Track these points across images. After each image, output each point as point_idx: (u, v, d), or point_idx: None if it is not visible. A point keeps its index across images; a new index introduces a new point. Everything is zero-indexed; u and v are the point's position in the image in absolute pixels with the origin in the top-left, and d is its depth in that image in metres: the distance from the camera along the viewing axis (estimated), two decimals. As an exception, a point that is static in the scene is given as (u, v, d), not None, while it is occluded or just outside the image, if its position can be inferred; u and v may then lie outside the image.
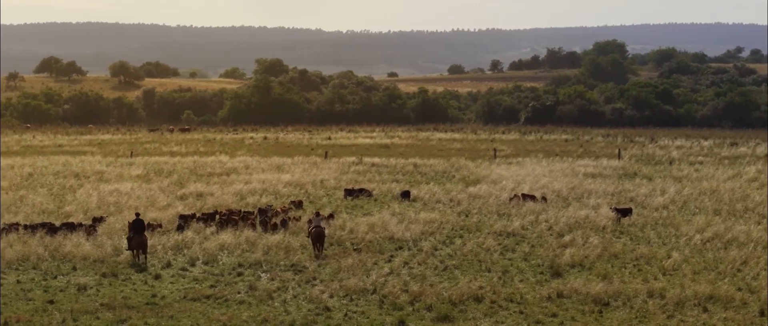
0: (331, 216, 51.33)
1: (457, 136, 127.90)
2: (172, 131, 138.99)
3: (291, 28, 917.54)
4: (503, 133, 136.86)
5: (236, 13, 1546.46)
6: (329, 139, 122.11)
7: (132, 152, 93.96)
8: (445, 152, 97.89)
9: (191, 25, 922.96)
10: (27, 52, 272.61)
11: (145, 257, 41.07)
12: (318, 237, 42.94)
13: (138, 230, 41.69)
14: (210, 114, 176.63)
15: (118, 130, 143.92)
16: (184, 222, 48.44)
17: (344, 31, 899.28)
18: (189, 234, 45.75)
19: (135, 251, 41.29)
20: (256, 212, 51.60)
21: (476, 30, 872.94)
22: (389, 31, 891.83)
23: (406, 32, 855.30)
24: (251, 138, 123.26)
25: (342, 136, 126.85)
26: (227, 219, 49.07)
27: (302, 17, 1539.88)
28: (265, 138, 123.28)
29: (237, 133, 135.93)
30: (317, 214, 45.72)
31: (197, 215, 50.30)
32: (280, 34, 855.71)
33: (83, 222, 47.64)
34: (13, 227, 45.94)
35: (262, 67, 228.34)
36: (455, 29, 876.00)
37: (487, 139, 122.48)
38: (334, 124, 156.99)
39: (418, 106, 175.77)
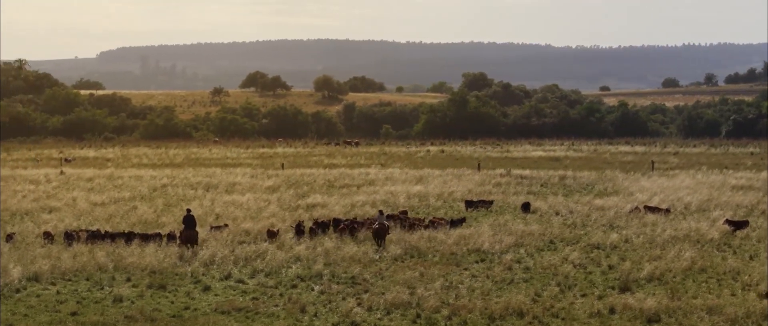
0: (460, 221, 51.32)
1: (639, 149, 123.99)
2: (348, 144, 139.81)
3: (520, 43, 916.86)
4: (694, 146, 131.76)
5: (466, 29, 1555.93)
6: (508, 152, 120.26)
7: (283, 164, 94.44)
8: (612, 165, 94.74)
9: (420, 42, 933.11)
10: (258, 69, 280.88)
11: (193, 249, 42.57)
12: (376, 234, 45.04)
13: (189, 225, 43.21)
14: (408, 128, 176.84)
15: (305, 143, 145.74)
16: (270, 235, 47.69)
17: (574, 47, 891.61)
18: (265, 245, 44.83)
19: (185, 244, 42.57)
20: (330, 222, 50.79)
21: (707, 44, 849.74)
22: (619, 45, 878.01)
23: (636, 47, 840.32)
24: (428, 151, 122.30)
25: (522, 150, 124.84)
26: (315, 228, 48.23)
27: (531, 33, 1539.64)
28: (442, 151, 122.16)
29: (420, 146, 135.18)
30: (381, 213, 47.70)
31: (281, 228, 49.44)
32: (508, 49, 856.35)
33: (160, 233, 47.25)
34: (74, 235, 46.03)
35: (466, 81, 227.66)
36: (686, 43, 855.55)
37: (669, 152, 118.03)
38: (529, 137, 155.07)
39: (617, 119, 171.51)
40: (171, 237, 45.96)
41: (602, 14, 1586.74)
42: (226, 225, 49.93)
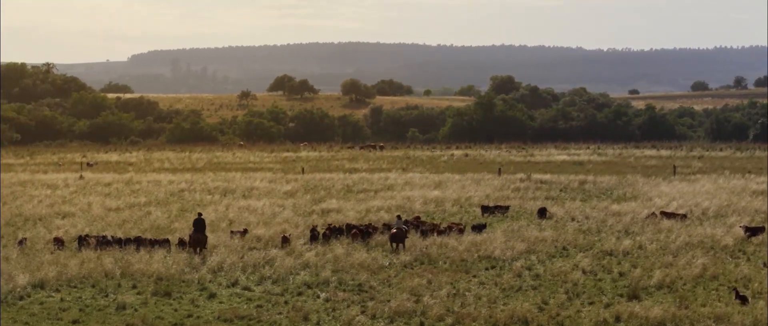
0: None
1: (664, 153, 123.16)
2: (371, 148, 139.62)
3: (551, 46, 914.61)
4: (720, 150, 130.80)
5: (497, 32, 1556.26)
6: (532, 156, 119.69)
7: (303, 169, 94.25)
8: (635, 169, 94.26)
9: (451, 45, 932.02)
10: (288, 72, 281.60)
11: (202, 253, 42.93)
12: (394, 238, 45.75)
13: (198, 229, 43.59)
14: (434, 131, 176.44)
15: (330, 147, 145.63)
16: (284, 241, 47.43)
17: (605, 49, 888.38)
18: (274, 251, 44.53)
19: (193, 248, 42.93)
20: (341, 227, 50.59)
21: (739, 47, 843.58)
22: (651, 48, 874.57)
23: (667, 50, 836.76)
24: (452, 155, 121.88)
25: (546, 153, 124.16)
26: (328, 234, 47.97)
27: (563, 36, 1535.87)
28: (466, 155, 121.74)
29: (445, 150, 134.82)
30: (399, 218, 48.85)
31: (293, 234, 49.19)
32: (539, 52, 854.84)
33: (167, 239, 46.95)
34: (85, 240, 45.91)
35: (494, 84, 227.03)
36: (718, 46, 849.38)
37: (694, 156, 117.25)
38: (556, 141, 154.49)
39: (645, 123, 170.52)
40: (182, 243, 45.77)
41: (634, 17, 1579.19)
42: (245, 229, 49.68)
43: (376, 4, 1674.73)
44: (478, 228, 50.67)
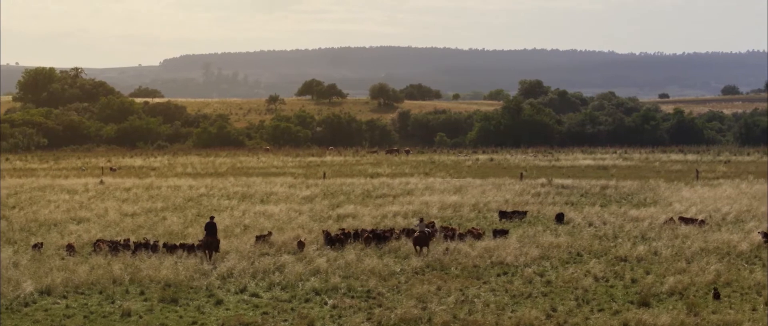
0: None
1: (691, 157, 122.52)
2: (394, 152, 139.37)
3: (583, 50, 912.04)
4: (748, 154, 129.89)
5: (529, 36, 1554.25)
6: (557, 160, 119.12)
7: (325, 174, 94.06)
8: (659, 174, 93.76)
9: (483, 49, 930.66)
10: (320, 76, 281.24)
11: (211, 256, 43.63)
12: (417, 241, 45.98)
13: (210, 232, 44.21)
14: (462, 136, 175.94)
15: (356, 152, 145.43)
16: (300, 246, 47.20)
17: (637, 53, 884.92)
18: (284, 257, 44.26)
19: (205, 251, 43.48)
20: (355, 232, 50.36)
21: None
22: (683, 52, 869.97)
23: (700, 54, 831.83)
24: (477, 159, 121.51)
25: (572, 158, 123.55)
26: (339, 238, 47.74)
27: (596, 39, 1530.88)
28: (491, 159, 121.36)
29: (469, 154, 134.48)
30: (421, 220, 49.03)
31: (306, 239, 48.98)
32: (571, 56, 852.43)
33: (184, 243, 46.83)
34: (98, 245, 45.82)
35: (522, 88, 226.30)
36: (751, 50, 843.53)
37: (721, 160, 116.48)
38: (583, 145, 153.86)
39: (673, 127, 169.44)
40: (189, 248, 45.62)
41: (667, 21, 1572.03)
42: (270, 233, 49.49)
43: (409, 8, 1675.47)
44: (500, 233, 50.51)
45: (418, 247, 45.74)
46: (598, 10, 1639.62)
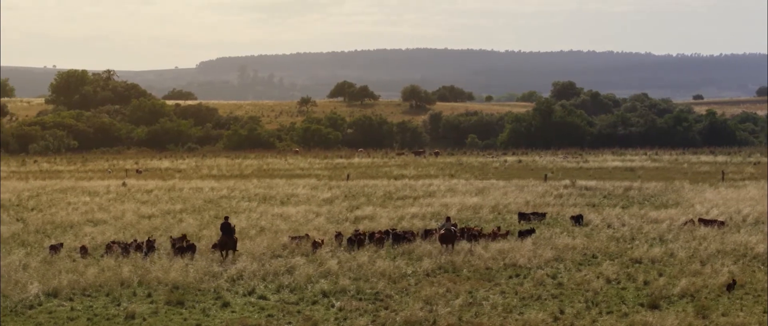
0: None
1: (721, 159, 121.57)
2: (419, 154, 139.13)
3: (620, 52, 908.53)
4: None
5: (566, 38, 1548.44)
6: (586, 162, 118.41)
7: (348, 175, 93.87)
8: (685, 175, 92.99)
9: (519, 51, 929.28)
10: (355, 78, 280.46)
11: (227, 256, 44.17)
12: (442, 239, 46.22)
13: (226, 232, 44.79)
14: (493, 137, 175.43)
15: (384, 154, 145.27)
16: (315, 246, 46.96)
17: (674, 55, 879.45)
18: (296, 259, 43.97)
19: (221, 251, 44.11)
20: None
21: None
22: (720, 53, 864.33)
23: (737, 55, 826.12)
24: (505, 161, 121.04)
25: (601, 159, 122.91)
26: (359, 239, 47.53)
27: (632, 41, 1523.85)
28: (520, 161, 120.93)
29: (498, 156, 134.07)
30: (447, 219, 49.21)
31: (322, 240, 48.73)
32: (607, 58, 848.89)
33: (194, 244, 46.64)
34: (111, 247, 45.75)
35: (554, 90, 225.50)
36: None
37: (751, 162, 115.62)
38: (614, 147, 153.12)
39: (705, 128, 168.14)
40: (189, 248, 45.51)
41: (704, 22, 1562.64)
42: (307, 235, 49.28)
43: (444, 10, 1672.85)
44: (526, 233, 50.31)
45: (444, 245, 45.93)
46: (633, 11, 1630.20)
